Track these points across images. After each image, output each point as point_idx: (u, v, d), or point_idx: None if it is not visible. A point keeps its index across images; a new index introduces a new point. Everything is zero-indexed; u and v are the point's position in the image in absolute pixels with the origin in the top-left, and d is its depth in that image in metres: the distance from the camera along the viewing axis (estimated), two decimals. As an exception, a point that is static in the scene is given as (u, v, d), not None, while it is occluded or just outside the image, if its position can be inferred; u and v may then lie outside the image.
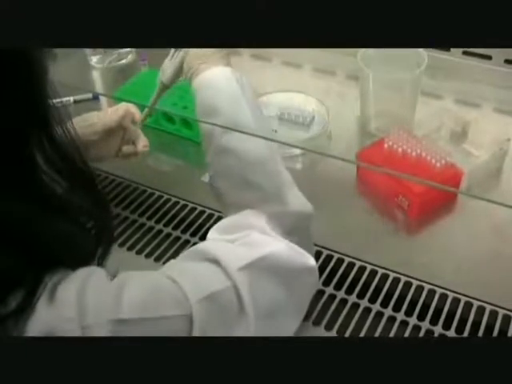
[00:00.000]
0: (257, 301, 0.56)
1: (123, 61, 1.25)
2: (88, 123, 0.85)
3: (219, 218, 0.89)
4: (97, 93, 1.17)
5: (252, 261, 0.57)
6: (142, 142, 0.89)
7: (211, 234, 0.64)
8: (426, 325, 0.73)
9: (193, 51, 0.72)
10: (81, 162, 0.52)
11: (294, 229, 0.65)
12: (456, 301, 0.75)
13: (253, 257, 0.57)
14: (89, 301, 0.46)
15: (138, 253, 0.85)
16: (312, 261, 0.62)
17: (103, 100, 1.17)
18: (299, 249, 0.62)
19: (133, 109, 0.89)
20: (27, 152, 0.47)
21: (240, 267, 0.56)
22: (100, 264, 0.54)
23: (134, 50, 1.25)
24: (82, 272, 0.49)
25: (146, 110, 0.90)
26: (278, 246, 0.60)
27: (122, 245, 0.86)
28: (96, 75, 1.27)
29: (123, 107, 0.88)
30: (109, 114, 0.87)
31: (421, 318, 0.73)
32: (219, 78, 0.69)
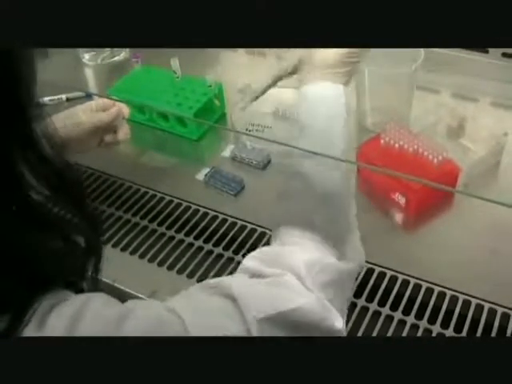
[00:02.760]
0: None
1: (116, 58, 1.24)
2: (75, 121, 0.84)
3: (214, 217, 0.88)
4: (90, 92, 1.16)
5: (275, 313, 0.52)
6: (123, 130, 0.90)
7: (248, 260, 0.59)
8: (424, 324, 0.72)
9: (314, 53, 0.61)
10: (71, 177, 0.48)
11: (335, 281, 0.58)
12: (454, 299, 0.74)
13: (277, 309, 0.52)
14: (81, 332, 0.43)
15: (132, 253, 0.84)
16: (339, 323, 0.56)
17: (96, 98, 1.16)
18: (330, 306, 0.56)
19: (124, 108, 0.89)
20: (11, 166, 0.43)
21: (260, 318, 0.51)
22: (94, 279, 0.51)
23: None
24: (79, 298, 0.45)
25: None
26: (307, 299, 0.54)
27: (115, 245, 0.85)
28: (89, 72, 1.26)
29: (116, 109, 0.89)
30: (99, 115, 0.87)
31: (419, 316, 0.73)
32: (324, 93, 0.60)
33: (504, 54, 1.05)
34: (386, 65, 0.95)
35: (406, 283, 0.77)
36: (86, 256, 0.50)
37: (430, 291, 0.75)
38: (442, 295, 0.75)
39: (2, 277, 0.42)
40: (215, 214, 0.89)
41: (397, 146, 0.89)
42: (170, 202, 0.92)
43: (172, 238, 0.86)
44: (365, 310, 0.74)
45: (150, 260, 0.83)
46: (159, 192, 0.93)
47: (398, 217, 0.87)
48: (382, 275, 0.78)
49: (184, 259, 0.82)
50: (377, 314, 0.73)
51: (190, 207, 0.90)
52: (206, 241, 0.85)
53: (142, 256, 0.83)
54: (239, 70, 1.20)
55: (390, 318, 0.73)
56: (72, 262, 0.49)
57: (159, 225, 0.88)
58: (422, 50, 0.93)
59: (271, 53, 1.23)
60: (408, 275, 0.78)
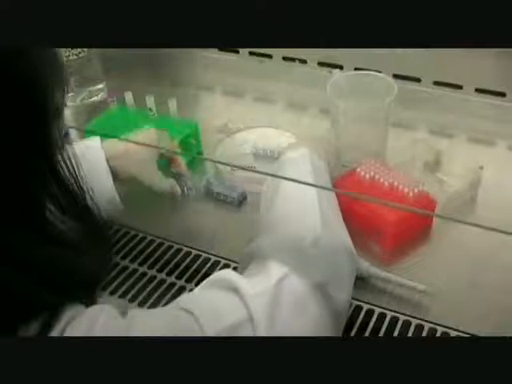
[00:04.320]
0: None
1: (94, 98, 1.24)
2: None
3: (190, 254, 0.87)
4: (70, 126, 1.14)
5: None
6: None
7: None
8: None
9: None
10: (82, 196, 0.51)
11: None
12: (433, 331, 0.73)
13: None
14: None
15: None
16: None
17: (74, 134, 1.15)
18: None
19: None
20: (28, 184, 0.45)
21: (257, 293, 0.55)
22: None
23: (105, 88, 1.24)
24: (91, 311, 0.48)
25: None
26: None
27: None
28: (67, 113, 1.25)
29: None
30: None
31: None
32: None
33: (477, 90, 1.06)
34: (360, 101, 0.95)
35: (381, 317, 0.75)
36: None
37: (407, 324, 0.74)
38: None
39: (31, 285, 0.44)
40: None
41: (372, 181, 0.89)
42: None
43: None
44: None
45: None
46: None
47: (376, 250, 0.86)
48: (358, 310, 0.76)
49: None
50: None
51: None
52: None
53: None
54: (217, 111, 1.20)
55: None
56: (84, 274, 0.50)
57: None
58: (395, 86, 0.94)
59: (248, 94, 1.24)
60: (385, 309, 0.76)
